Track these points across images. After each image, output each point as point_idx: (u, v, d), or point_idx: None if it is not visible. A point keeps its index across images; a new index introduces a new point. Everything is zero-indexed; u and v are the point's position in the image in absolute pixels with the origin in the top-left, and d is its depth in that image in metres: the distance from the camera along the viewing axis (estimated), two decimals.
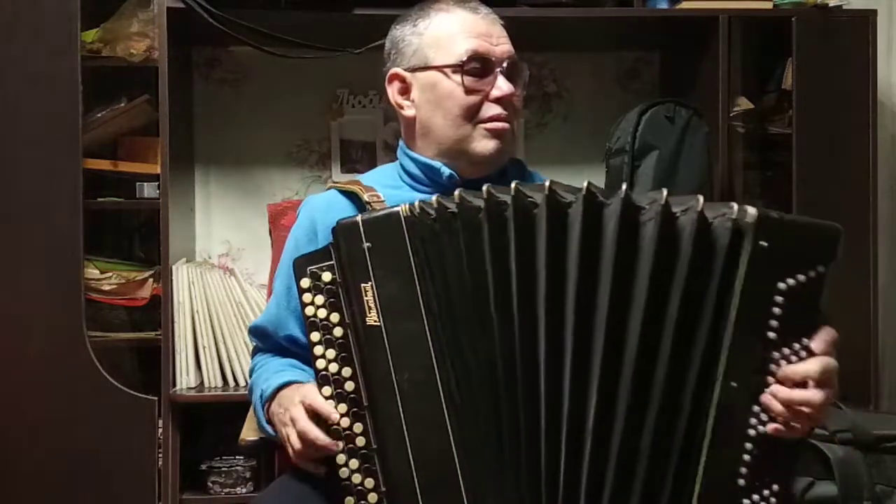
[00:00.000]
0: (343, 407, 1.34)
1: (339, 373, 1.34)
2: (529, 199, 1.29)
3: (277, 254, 1.90)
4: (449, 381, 1.31)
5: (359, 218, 1.36)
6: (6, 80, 2.32)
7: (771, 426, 1.26)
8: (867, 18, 2.45)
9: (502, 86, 1.53)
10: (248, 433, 1.64)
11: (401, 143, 1.65)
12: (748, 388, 1.27)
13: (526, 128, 2.72)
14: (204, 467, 2.41)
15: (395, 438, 1.31)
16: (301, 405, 1.36)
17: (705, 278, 1.27)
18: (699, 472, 1.27)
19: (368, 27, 2.16)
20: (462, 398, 1.31)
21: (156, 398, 2.34)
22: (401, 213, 1.34)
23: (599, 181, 2.30)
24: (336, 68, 2.59)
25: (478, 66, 1.54)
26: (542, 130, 2.77)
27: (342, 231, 1.36)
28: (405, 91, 1.60)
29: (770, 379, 1.27)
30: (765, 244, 1.25)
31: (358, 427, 1.33)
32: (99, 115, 2.46)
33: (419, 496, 1.31)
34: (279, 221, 2.34)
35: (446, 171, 1.56)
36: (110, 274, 2.46)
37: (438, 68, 1.55)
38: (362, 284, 1.34)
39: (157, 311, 2.40)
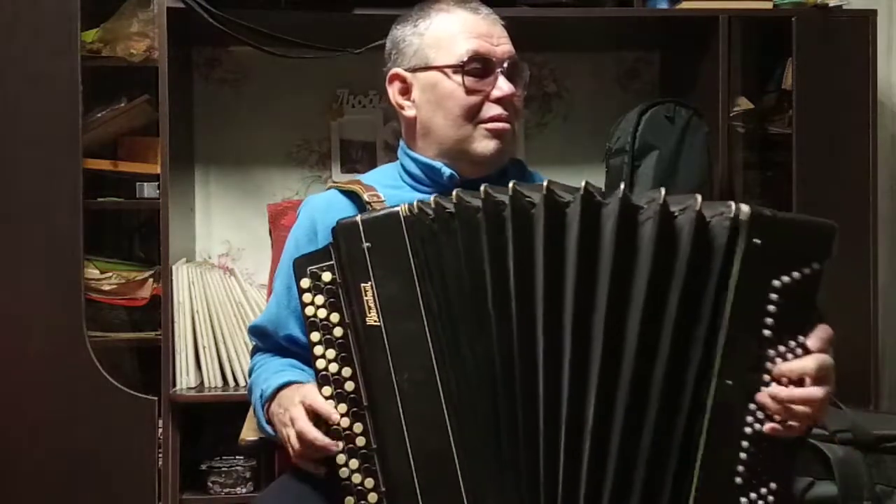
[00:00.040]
0: (343, 407, 1.34)
1: (339, 373, 1.35)
2: (527, 198, 1.30)
3: (277, 254, 1.90)
4: (449, 381, 1.31)
5: (358, 218, 1.36)
6: (6, 80, 2.32)
7: (768, 426, 1.26)
8: (867, 18, 2.45)
9: (503, 86, 1.53)
10: (248, 433, 1.64)
11: (401, 143, 1.65)
12: (744, 386, 1.27)
13: (526, 128, 2.72)
14: (204, 467, 2.41)
15: (395, 438, 1.32)
16: (301, 405, 1.36)
17: (703, 277, 1.27)
18: (696, 470, 1.27)
19: (368, 27, 2.16)
20: (462, 398, 1.31)
21: (156, 398, 2.34)
22: (400, 213, 1.34)
23: (599, 181, 2.31)
24: (336, 68, 2.59)
25: (478, 67, 1.54)
26: (542, 130, 2.77)
27: (342, 231, 1.36)
28: (406, 91, 1.60)
29: (766, 377, 1.27)
30: (758, 242, 1.25)
31: (358, 427, 1.33)
32: (99, 115, 2.46)
33: (419, 496, 1.31)
34: (279, 221, 2.34)
35: (447, 171, 1.56)
36: (110, 274, 2.46)
37: (439, 68, 1.55)
38: (362, 284, 1.34)
39: (157, 311, 2.40)
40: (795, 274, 1.26)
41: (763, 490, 1.27)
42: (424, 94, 1.57)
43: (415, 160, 1.60)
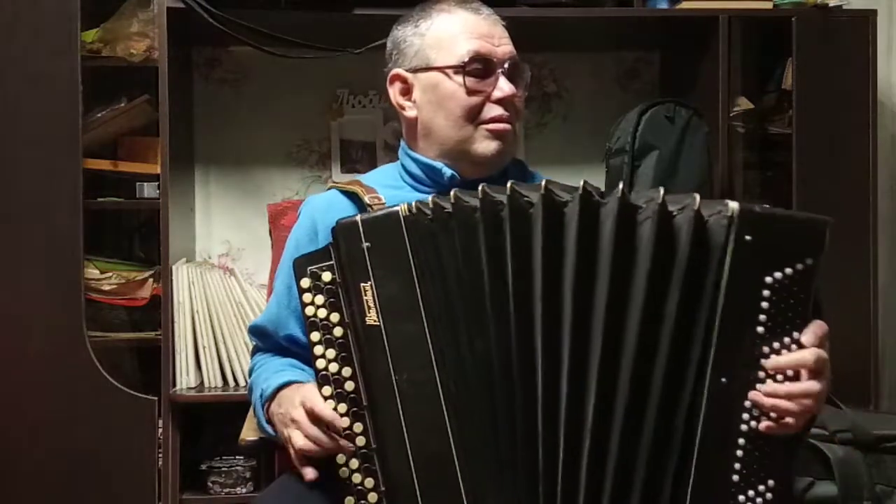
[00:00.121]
0: (343, 407, 1.34)
1: (338, 372, 1.35)
2: (525, 198, 1.30)
3: (277, 254, 1.90)
4: (448, 381, 1.31)
5: (358, 218, 1.36)
6: (6, 80, 2.32)
7: (763, 424, 1.26)
8: (867, 18, 2.45)
9: (504, 87, 1.53)
10: (248, 433, 1.64)
11: (402, 143, 1.65)
12: (739, 384, 1.27)
13: (526, 128, 2.72)
14: (204, 467, 2.41)
15: (394, 438, 1.32)
16: (302, 407, 1.36)
17: (702, 276, 1.27)
18: (692, 468, 1.27)
19: (368, 27, 2.16)
20: (461, 398, 1.31)
21: (156, 398, 2.34)
22: (400, 213, 1.34)
23: (599, 181, 2.31)
24: (336, 68, 2.59)
25: (479, 67, 1.54)
26: (542, 130, 2.77)
27: (342, 231, 1.36)
28: (407, 92, 1.60)
29: (761, 373, 1.27)
30: (749, 238, 1.25)
31: (358, 427, 1.33)
32: (99, 115, 2.46)
33: (419, 496, 1.31)
34: (279, 221, 2.33)
35: (448, 171, 1.56)
36: (110, 274, 2.46)
37: (440, 69, 1.55)
38: (362, 284, 1.34)
39: (157, 311, 2.40)
40: (788, 270, 1.26)
41: (761, 488, 1.27)
42: (425, 95, 1.57)
43: (415, 160, 1.60)
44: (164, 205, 2.35)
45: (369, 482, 1.33)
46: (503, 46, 1.56)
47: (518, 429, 1.28)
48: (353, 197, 1.56)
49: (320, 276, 1.36)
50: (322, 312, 1.36)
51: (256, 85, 2.69)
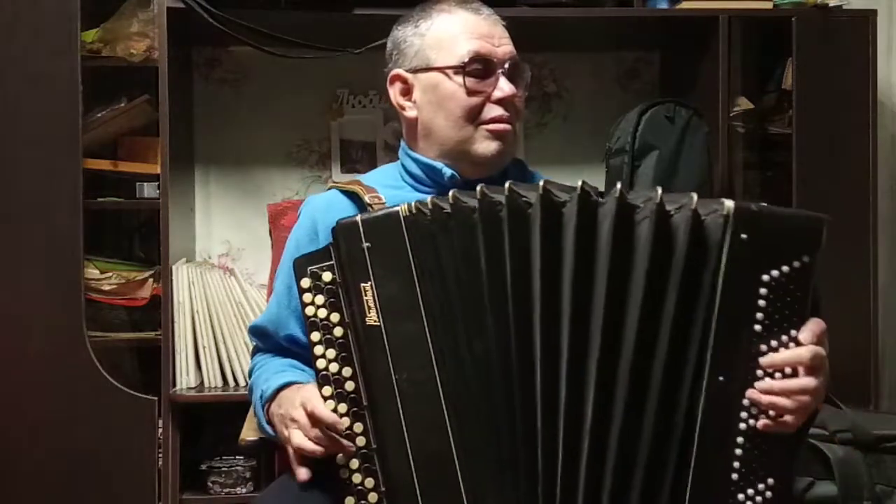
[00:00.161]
0: (343, 407, 1.34)
1: (339, 373, 1.35)
2: (523, 198, 1.30)
3: (277, 254, 1.90)
4: (448, 381, 1.31)
5: (358, 218, 1.36)
6: (6, 80, 2.32)
7: (761, 422, 1.26)
8: (867, 18, 2.45)
9: (504, 87, 1.53)
10: (248, 433, 1.64)
11: (402, 143, 1.65)
12: (736, 383, 1.27)
13: (526, 128, 2.72)
14: (204, 467, 2.41)
15: (394, 438, 1.32)
16: (302, 408, 1.36)
17: (699, 275, 1.27)
18: (691, 467, 1.27)
19: (368, 27, 2.16)
20: (461, 398, 1.31)
21: (156, 398, 2.34)
22: (400, 213, 1.34)
23: (599, 181, 2.31)
24: (336, 68, 2.59)
25: (479, 68, 1.53)
26: (542, 130, 2.77)
27: (342, 231, 1.36)
28: (407, 92, 1.60)
29: (759, 372, 1.27)
30: (745, 237, 1.25)
31: (358, 427, 1.33)
32: (99, 115, 2.46)
33: (419, 496, 1.31)
34: (279, 221, 2.34)
35: (448, 171, 1.56)
36: (110, 274, 2.46)
37: (440, 69, 1.55)
38: (362, 284, 1.34)
39: (157, 311, 2.40)
40: (784, 268, 1.26)
41: (760, 486, 1.27)
42: (425, 95, 1.57)
43: (416, 160, 1.60)
44: (164, 205, 2.35)
45: (369, 482, 1.33)
46: (503, 46, 1.56)
47: (517, 429, 1.28)
48: (353, 197, 1.56)
49: (320, 276, 1.36)
50: (322, 312, 1.36)
51: (256, 85, 2.69)
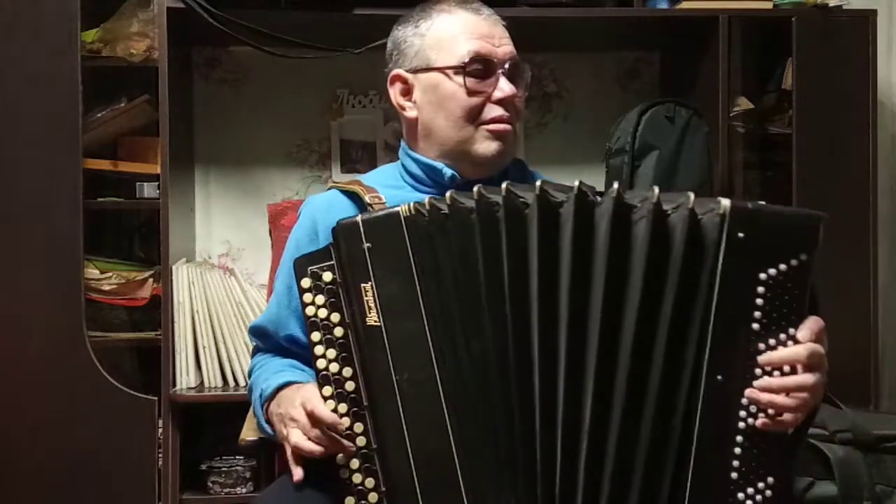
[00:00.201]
0: (343, 407, 1.34)
1: (339, 373, 1.35)
2: (521, 199, 1.30)
3: (277, 254, 1.90)
4: (449, 381, 1.31)
5: (359, 218, 1.36)
6: (6, 80, 2.32)
7: (759, 420, 1.26)
8: (867, 18, 2.45)
9: (504, 87, 1.53)
10: (248, 433, 1.64)
11: (402, 143, 1.65)
12: (735, 381, 1.27)
13: (526, 128, 2.72)
14: (204, 467, 2.41)
15: (395, 438, 1.32)
16: (301, 408, 1.36)
17: (696, 274, 1.28)
18: (690, 466, 1.27)
19: (368, 27, 2.16)
20: (461, 398, 1.31)
21: (156, 398, 2.34)
22: (401, 213, 1.34)
23: (599, 181, 2.31)
24: (336, 68, 2.59)
25: (480, 68, 1.53)
26: (542, 130, 2.77)
27: (342, 231, 1.36)
28: (407, 92, 1.60)
29: (757, 371, 1.27)
30: (742, 236, 1.25)
31: (358, 427, 1.33)
32: (99, 115, 2.46)
33: (419, 496, 1.31)
34: (279, 221, 2.33)
35: (448, 171, 1.56)
36: (110, 274, 2.46)
37: (440, 69, 1.55)
38: (362, 284, 1.34)
39: (157, 311, 2.40)
40: (782, 266, 1.26)
41: (760, 485, 1.27)
42: (426, 96, 1.57)
43: (416, 161, 1.60)
44: (164, 205, 2.35)
45: (370, 482, 1.33)
46: (503, 47, 1.56)
47: (515, 429, 1.28)
48: (353, 197, 1.56)
49: (321, 276, 1.37)
50: (322, 312, 1.36)
51: (256, 85, 2.69)
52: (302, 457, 1.38)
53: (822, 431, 1.90)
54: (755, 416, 1.27)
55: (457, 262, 1.31)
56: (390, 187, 1.58)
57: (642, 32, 2.62)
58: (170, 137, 2.35)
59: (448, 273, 1.32)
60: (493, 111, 1.53)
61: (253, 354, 1.66)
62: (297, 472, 1.38)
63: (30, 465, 2.32)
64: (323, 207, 1.57)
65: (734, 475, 1.27)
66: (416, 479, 1.31)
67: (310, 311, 1.36)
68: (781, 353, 1.27)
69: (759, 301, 1.27)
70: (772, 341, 1.27)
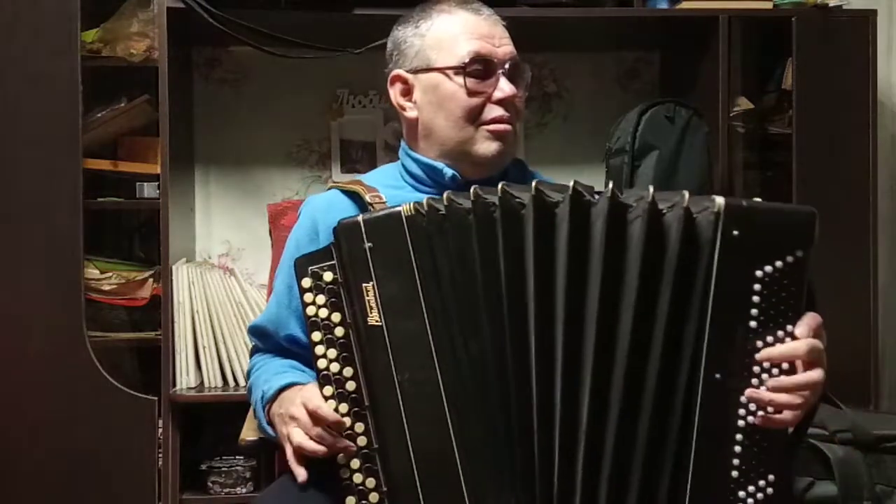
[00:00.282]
0: (344, 407, 1.34)
1: (340, 372, 1.35)
2: (517, 199, 1.30)
3: (277, 254, 1.90)
4: (449, 381, 1.31)
5: (360, 218, 1.36)
6: (6, 80, 2.32)
7: (759, 417, 1.26)
8: (867, 18, 2.45)
9: (504, 87, 1.53)
10: (248, 433, 1.63)
11: (402, 143, 1.65)
12: (733, 379, 1.27)
13: (526, 128, 2.72)
14: (204, 467, 2.41)
15: (396, 438, 1.32)
16: (303, 406, 1.36)
17: (692, 273, 1.28)
18: (689, 465, 1.27)
19: (368, 27, 2.16)
20: (461, 398, 1.31)
21: (156, 398, 2.34)
22: (402, 213, 1.34)
23: (599, 181, 2.31)
24: (336, 68, 2.59)
25: (480, 68, 1.53)
26: (542, 130, 2.77)
27: (343, 231, 1.36)
28: (407, 92, 1.60)
29: (755, 368, 1.27)
30: (736, 233, 1.25)
31: (359, 427, 1.33)
32: (99, 115, 2.46)
33: (420, 496, 1.31)
34: (279, 221, 2.33)
35: (448, 171, 1.56)
36: (110, 274, 2.46)
37: (440, 70, 1.55)
38: (364, 284, 1.34)
39: (157, 311, 2.40)
40: (778, 263, 1.26)
41: (761, 483, 1.27)
42: (426, 96, 1.57)
43: (416, 161, 1.60)
44: (164, 205, 2.35)
45: (370, 482, 1.32)
46: (504, 47, 1.56)
47: (513, 429, 1.29)
48: (353, 196, 1.56)
49: (322, 275, 1.36)
50: (323, 312, 1.36)
51: (256, 85, 2.69)
52: (303, 457, 1.38)
53: (822, 431, 1.90)
54: (755, 414, 1.27)
55: (454, 262, 1.31)
56: (391, 187, 1.58)
57: (642, 32, 2.62)
58: (170, 137, 2.35)
59: (446, 273, 1.32)
60: (494, 111, 1.53)
61: (252, 354, 1.65)
62: (302, 473, 1.38)
63: (30, 465, 2.32)
64: (323, 207, 1.57)
65: (735, 473, 1.27)
66: (417, 479, 1.31)
67: (310, 310, 1.36)
68: (781, 349, 1.27)
69: (756, 298, 1.27)
70: (769, 338, 1.27)
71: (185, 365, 2.37)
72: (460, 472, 1.30)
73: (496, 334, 1.29)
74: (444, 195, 1.33)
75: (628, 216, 1.29)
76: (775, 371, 1.27)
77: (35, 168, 2.33)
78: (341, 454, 1.33)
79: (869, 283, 2.42)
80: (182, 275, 2.38)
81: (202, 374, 2.40)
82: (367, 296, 1.33)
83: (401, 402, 1.31)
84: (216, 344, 2.40)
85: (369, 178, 1.65)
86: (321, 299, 1.36)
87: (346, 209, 1.53)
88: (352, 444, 1.33)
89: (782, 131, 2.53)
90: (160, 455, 2.33)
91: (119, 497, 2.33)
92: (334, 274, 1.36)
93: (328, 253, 1.37)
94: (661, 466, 1.28)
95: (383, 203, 1.50)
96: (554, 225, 1.29)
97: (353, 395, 1.34)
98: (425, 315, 1.32)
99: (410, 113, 1.59)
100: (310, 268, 1.37)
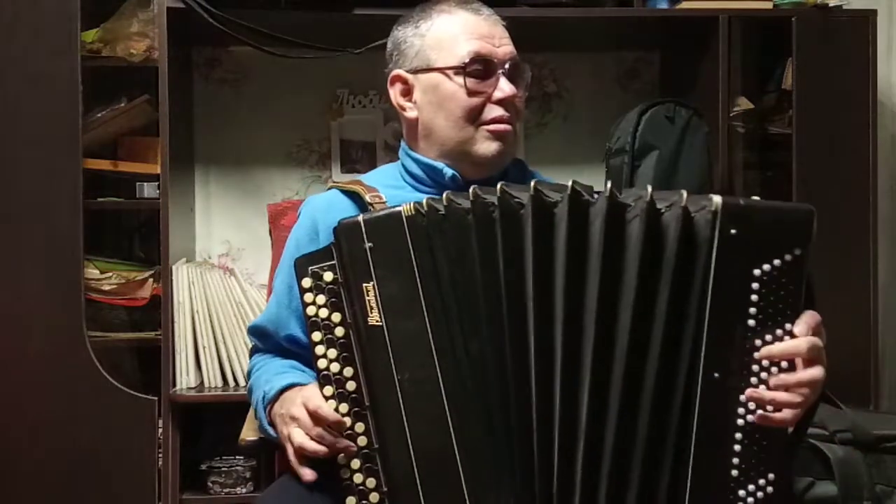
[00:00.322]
0: (344, 407, 1.34)
1: (340, 372, 1.35)
2: (516, 199, 1.30)
3: (277, 254, 1.90)
4: (450, 381, 1.31)
5: (360, 218, 1.36)
6: (6, 80, 2.32)
7: (758, 415, 1.26)
8: (867, 18, 2.45)
9: (504, 87, 1.53)
10: (248, 433, 1.63)
11: (402, 143, 1.65)
12: (732, 378, 1.27)
13: (526, 128, 2.72)
14: (204, 467, 2.41)
15: (396, 438, 1.32)
16: (303, 406, 1.36)
17: (691, 272, 1.28)
18: (689, 464, 1.27)
19: (368, 27, 2.16)
20: (462, 397, 1.31)
21: (156, 398, 2.34)
22: (402, 212, 1.34)
23: (599, 181, 2.31)
24: (336, 68, 2.59)
25: (480, 68, 1.53)
26: (542, 130, 2.77)
27: (344, 231, 1.36)
28: (407, 93, 1.60)
29: (755, 367, 1.27)
30: (734, 232, 1.25)
31: (359, 427, 1.33)
32: (99, 115, 2.46)
33: (421, 496, 1.31)
34: (279, 221, 2.34)
35: (448, 171, 1.56)
36: (110, 274, 2.46)
37: (440, 70, 1.55)
38: (364, 284, 1.34)
39: (157, 311, 2.40)
40: (776, 261, 1.26)
41: (761, 481, 1.27)
42: (426, 96, 1.57)
43: (416, 161, 1.60)
44: (164, 205, 2.35)
45: (371, 482, 1.33)
46: (504, 47, 1.56)
47: (513, 429, 1.29)
48: (353, 196, 1.56)
49: (322, 275, 1.36)
50: (323, 312, 1.36)
51: (256, 85, 2.69)
52: (304, 457, 1.38)
53: (822, 431, 1.90)
54: (754, 413, 1.27)
55: (454, 262, 1.32)
56: (391, 187, 1.58)
57: (642, 32, 2.62)
58: (170, 137, 2.35)
59: (446, 273, 1.32)
60: (494, 111, 1.54)
61: (252, 354, 1.65)
62: (307, 473, 1.37)
63: (30, 465, 2.32)
64: (323, 207, 1.57)
65: (734, 472, 1.27)
66: (417, 478, 1.31)
67: (311, 310, 1.36)
68: (781, 347, 1.27)
69: (754, 297, 1.27)
70: (768, 337, 1.27)
71: (185, 365, 2.37)
72: (460, 471, 1.31)
73: (496, 334, 1.29)
74: (444, 195, 1.34)
75: (627, 216, 1.29)
76: (774, 369, 1.27)
77: (35, 168, 2.33)
78: (342, 454, 1.33)
79: (869, 283, 2.42)
80: (182, 275, 2.38)
81: (202, 374, 2.40)
82: (368, 296, 1.33)
83: (401, 402, 1.32)
84: (216, 344, 2.40)
85: (369, 178, 1.65)
86: (321, 299, 1.36)
87: (346, 209, 1.53)
88: (352, 444, 1.33)
89: (782, 131, 2.53)
90: (160, 455, 2.33)
91: (119, 497, 2.33)
92: (334, 274, 1.36)
93: (328, 253, 1.37)
94: (661, 465, 1.28)
95: (383, 203, 1.50)
96: (553, 225, 1.29)
97: (354, 395, 1.34)
98: (425, 315, 1.32)
99: (410, 113, 1.59)
100: (310, 268, 1.37)
